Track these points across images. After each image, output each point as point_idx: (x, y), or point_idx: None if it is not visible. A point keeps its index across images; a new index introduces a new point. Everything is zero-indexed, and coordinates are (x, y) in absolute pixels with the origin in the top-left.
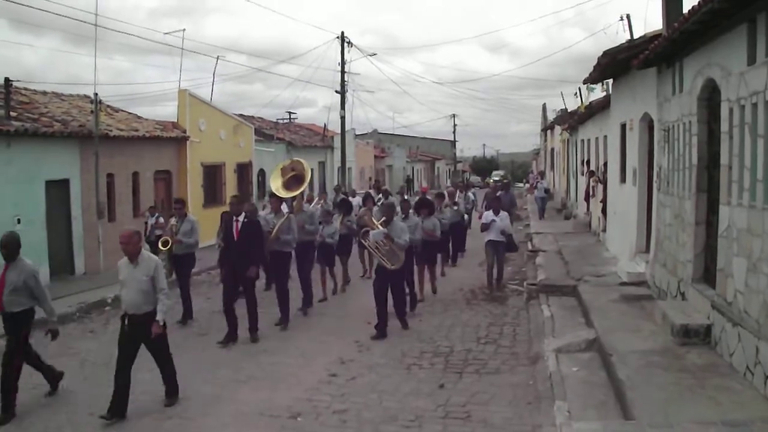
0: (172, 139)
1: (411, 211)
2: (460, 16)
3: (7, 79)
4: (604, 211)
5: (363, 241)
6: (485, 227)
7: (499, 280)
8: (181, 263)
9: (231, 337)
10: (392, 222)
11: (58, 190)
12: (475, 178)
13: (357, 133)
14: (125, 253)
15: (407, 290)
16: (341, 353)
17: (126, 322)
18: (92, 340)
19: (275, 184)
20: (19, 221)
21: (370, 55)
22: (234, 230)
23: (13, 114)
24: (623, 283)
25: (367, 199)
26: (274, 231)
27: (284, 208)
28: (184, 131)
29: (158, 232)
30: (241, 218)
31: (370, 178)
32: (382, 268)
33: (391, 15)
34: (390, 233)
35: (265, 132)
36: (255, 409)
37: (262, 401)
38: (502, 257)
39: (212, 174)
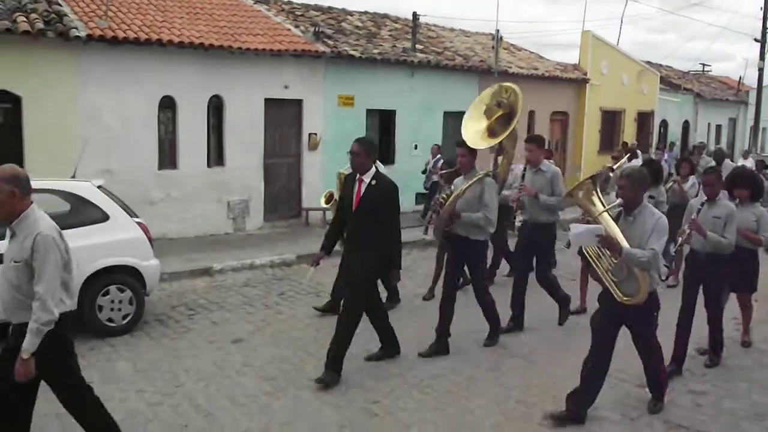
0: (571, 81)
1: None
2: None
3: (414, 14)
4: None
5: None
6: None
7: None
8: None
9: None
10: (640, 208)
11: (454, 121)
12: None
13: None
14: None
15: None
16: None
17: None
18: None
19: (475, 128)
20: (416, 147)
21: None
22: (355, 195)
23: (419, 47)
24: None
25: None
26: (448, 203)
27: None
28: (585, 73)
29: (434, 178)
30: (367, 178)
31: None
32: (607, 296)
33: None
34: (619, 234)
35: (672, 81)
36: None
37: (615, 362)
38: None
39: (610, 120)
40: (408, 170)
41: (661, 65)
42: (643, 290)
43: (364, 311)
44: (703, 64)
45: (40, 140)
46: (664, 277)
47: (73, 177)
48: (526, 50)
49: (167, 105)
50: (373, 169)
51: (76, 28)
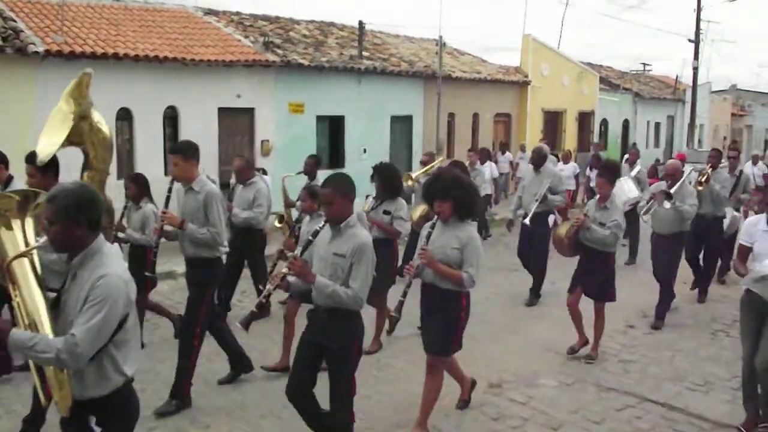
0: (513, 83)
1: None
2: None
3: (360, 22)
4: None
5: None
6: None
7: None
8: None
9: None
10: (84, 256)
11: (401, 125)
12: None
13: (714, 89)
14: None
15: None
16: (646, 307)
17: None
18: None
19: (57, 138)
20: (365, 151)
21: (730, 0)
22: None
23: (365, 54)
24: None
25: None
26: None
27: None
28: (526, 75)
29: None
30: None
31: (725, 138)
32: None
33: None
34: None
35: (612, 81)
36: (543, 344)
37: (553, 339)
38: None
39: (553, 120)
40: (357, 174)
41: (601, 66)
42: (60, 398)
43: None
44: (644, 64)
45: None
46: None
47: None
48: (469, 54)
49: (124, 117)
50: None
51: (34, 44)
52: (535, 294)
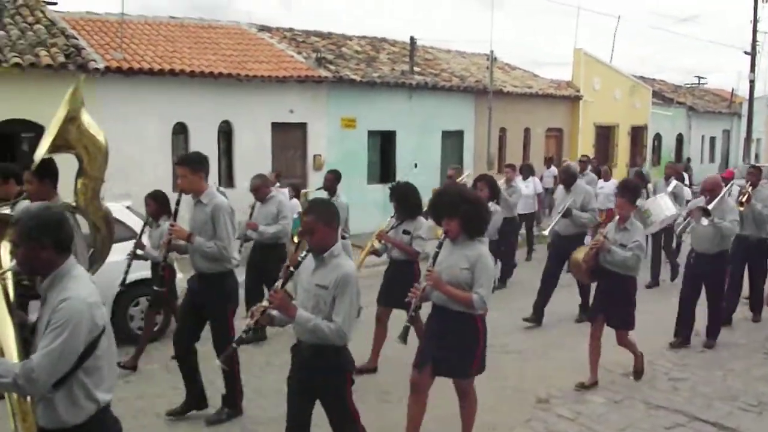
0: (565, 98)
1: None
2: None
3: (412, 38)
4: None
5: None
6: None
7: None
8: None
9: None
10: (53, 277)
11: (452, 140)
12: None
13: None
14: None
15: None
16: (698, 325)
17: None
18: None
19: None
20: (416, 165)
21: None
22: None
23: (417, 69)
24: None
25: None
26: None
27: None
28: (578, 90)
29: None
30: None
31: None
32: None
33: None
34: None
35: (665, 95)
36: (586, 357)
37: (602, 355)
38: None
39: (605, 135)
40: None
41: (654, 79)
42: (24, 429)
43: None
44: (699, 77)
45: (62, 166)
46: None
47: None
48: (520, 69)
49: (180, 131)
50: None
51: (95, 61)
52: (583, 310)
